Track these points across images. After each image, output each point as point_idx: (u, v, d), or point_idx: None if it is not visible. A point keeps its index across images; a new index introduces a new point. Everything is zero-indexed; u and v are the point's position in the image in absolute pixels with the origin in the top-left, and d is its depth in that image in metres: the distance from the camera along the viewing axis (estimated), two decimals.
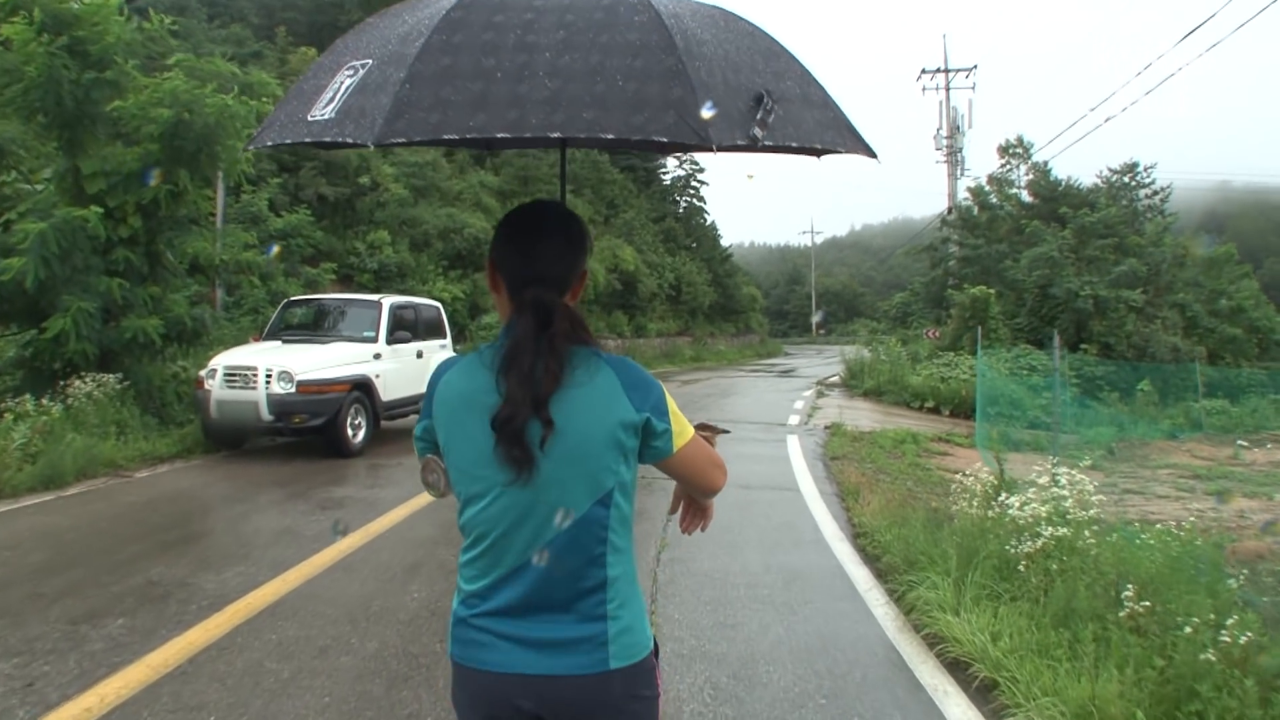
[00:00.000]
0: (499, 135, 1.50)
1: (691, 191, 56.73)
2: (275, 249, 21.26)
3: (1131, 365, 26.48)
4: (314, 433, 10.65)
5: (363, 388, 11.13)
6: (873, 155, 1.95)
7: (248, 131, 12.24)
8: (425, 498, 8.08)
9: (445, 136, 1.54)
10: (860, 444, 13.22)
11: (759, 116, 1.60)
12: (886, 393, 23.50)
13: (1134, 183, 35.95)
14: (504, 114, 1.49)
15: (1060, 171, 35.56)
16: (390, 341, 11.79)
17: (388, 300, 12.26)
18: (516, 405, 1.57)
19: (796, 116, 1.74)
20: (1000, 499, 5.64)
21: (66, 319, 10.70)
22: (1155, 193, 36.04)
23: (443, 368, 1.77)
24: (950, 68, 39.99)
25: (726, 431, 2.22)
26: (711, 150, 1.52)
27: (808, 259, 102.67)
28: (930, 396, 21.93)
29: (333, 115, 1.65)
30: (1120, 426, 18.65)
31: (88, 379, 10.80)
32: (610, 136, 1.51)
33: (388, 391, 11.58)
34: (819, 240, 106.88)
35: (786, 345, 71.73)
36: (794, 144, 1.71)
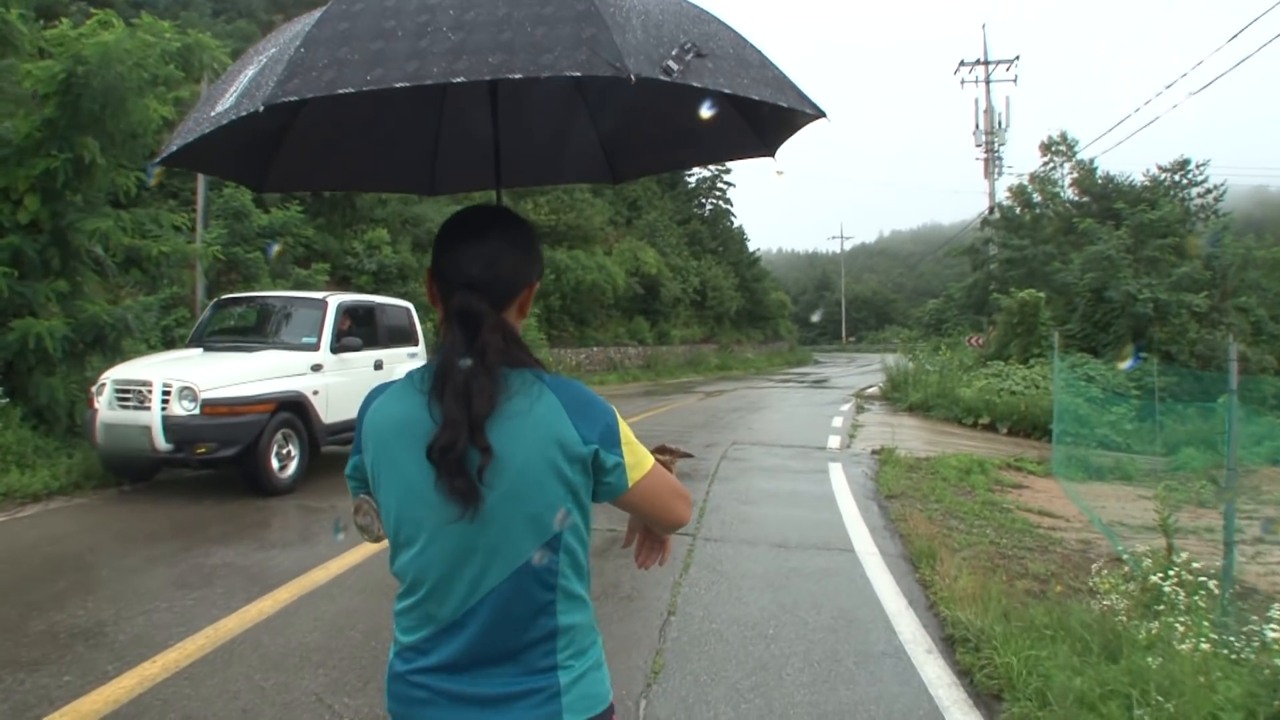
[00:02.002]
0: (397, 85, 1.38)
1: (718, 193, 54.45)
2: (276, 248, 19.35)
3: (1195, 375, 23.87)
4: (227, 464, 8.36)
5: (294, 407, 8.79)
6: (821, 114, 1.79)
7: (159, 88, 10.04)
8: (330, 569, 5.82)
9: (339, 91, 1.39)
10: (919, 475, 10.75)
11: (674, 53, 1.48)
12: (935, 407, 20.86)
13: (1185, 181, 33.81)
14: (402, 66, 1.39)
15: (1104, 171, 33.25)
16: (336, 349, 9.43)
17: (335, 299, 9.87)
18: (456, 430, 1.41)
19: (730, 70, 1.59)
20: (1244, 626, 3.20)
21: None
22: (1208, 191, 33.87)
23: (372, 395, 1.61)
24: (990, 59, 37.35)
25: (690, 455, 1.99)
26: (630, 80, 1.35)
27: (836, 265, 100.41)
28: (985, 412, 19.33)
29: (232, 102, 1.55)
30: (1212, 448, 16.03)
31: None
32: (518, 76, 1.38)
33: (331, 411, 9.22)
34: (847, 246, 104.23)
35: (816, 353, 69.30)
36: (726, 90, 1.54)
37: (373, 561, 5.96)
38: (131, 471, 8.86)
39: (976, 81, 37.42)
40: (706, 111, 1.73)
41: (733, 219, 55.64)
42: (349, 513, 1.67)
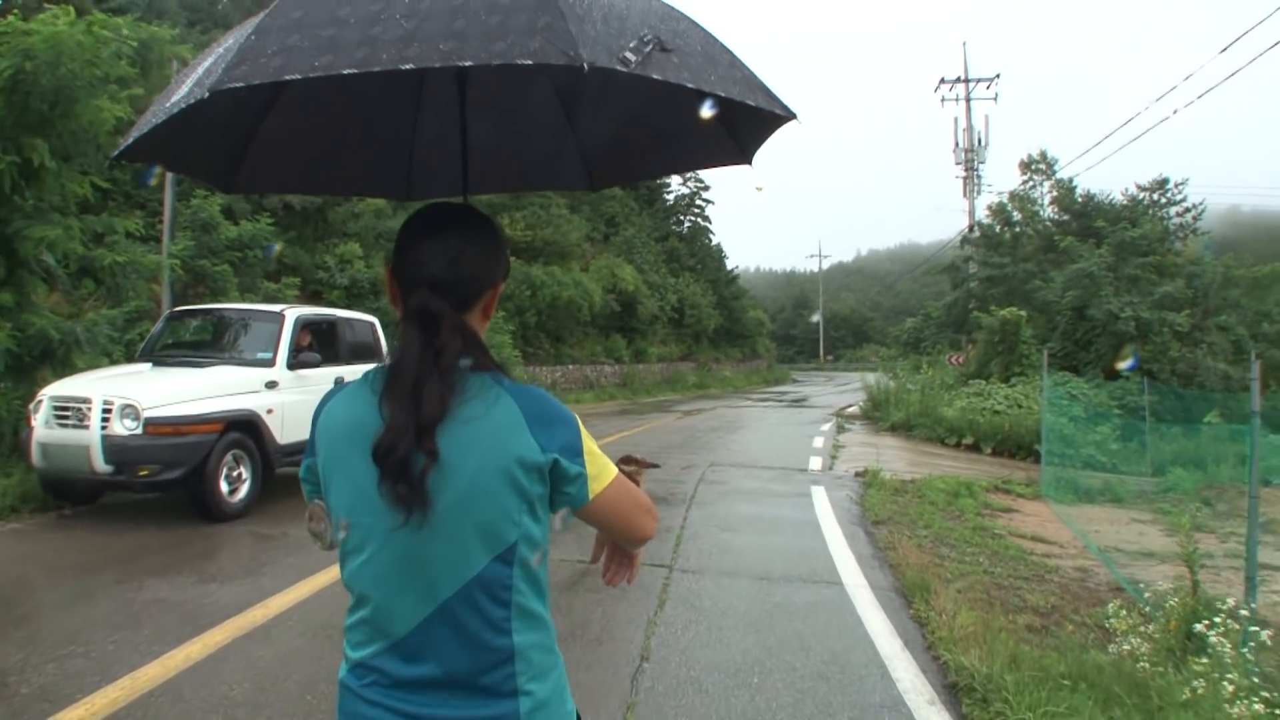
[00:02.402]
0: (345, 71, 1.36)
1: (696, 210, 54.22)
2: (277, 248, 18.94)
3: (1176, 393, 23.69)
4: (172, 488, 7.82)
5: (246, 427, 8.26)
6: (792, 115, 1.77)
7: (112, 86, 9.51)
8: (270, 606, 5.30)
9: (286, 77, 1.39)
10: (905, 499, 10.33)
11: (633, 44, 1.46)
12: (917, 427, 20.49)
13: (1164, 200, 33.86)
14: (351, 53, 1.36)
15: (1084, 189, 33.42)
16: (293, 365, 8.91)
17: (292, 312, 9.34)
18: (399, 433, 1.35)
19: (696, 66, 1.57)
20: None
21: None
22: (1187, 210, 33.95)
23: (327, 396, 1.54)
24: (971, 77, 37.31)
25: (656, 466, 1.94)
26: (583, 69, 1.32)
27: (814, 284, 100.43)
28: (968, 431, 18.96)
29: (185, 91, 1.54)
30: (1202, 468, 15.70)
31: None
32: (468, 64, 1.35)
33: (286, 431, 8.67)
34: (825, 265, 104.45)
35: (794, 371, 69.11)
36: (690, 84, 1.52)
37: (318, 598, 5.46)
38: (72, 495, 8.30)
39: (957, 99, 37.43)
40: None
41: (711, 236, 55.43)
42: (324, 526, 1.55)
